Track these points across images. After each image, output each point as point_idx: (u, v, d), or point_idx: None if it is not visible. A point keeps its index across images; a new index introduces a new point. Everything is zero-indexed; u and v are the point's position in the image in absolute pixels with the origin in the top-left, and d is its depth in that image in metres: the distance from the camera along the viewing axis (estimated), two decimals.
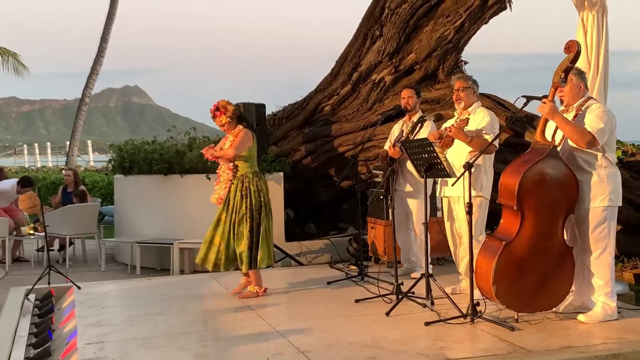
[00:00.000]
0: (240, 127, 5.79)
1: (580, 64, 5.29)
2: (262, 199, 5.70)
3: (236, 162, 5.74)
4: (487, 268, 4.54)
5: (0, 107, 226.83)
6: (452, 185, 4.87)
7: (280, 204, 8.00)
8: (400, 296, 5.31)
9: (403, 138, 6.25)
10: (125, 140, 9.80)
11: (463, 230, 5.35)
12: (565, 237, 4.70)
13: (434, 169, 5.04)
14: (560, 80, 4.57)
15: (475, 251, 4.72)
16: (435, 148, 4.96)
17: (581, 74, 4.77)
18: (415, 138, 6.05)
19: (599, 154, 4.58)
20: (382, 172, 6.66)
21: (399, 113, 6.89)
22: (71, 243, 9.29)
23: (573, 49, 4.53)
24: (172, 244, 7.99)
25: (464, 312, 4.70)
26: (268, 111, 8.60)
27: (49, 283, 6.22)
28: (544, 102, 4.55)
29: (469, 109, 5.52)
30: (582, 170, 4.60)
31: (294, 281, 6.49)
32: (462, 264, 5.53)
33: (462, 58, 8.06)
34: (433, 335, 4.42)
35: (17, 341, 4.78)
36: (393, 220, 6.06)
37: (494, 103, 7.30)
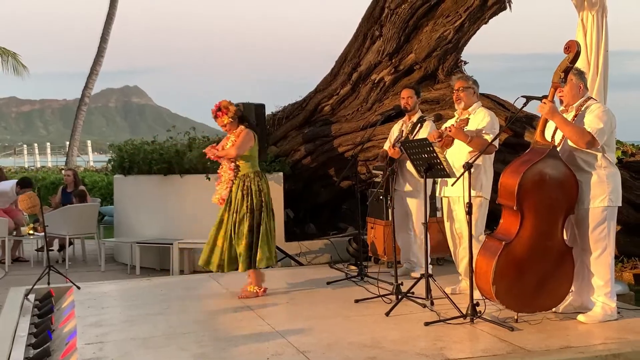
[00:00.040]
0: (242, 127, 5.79)
1: (580, 64, 5.29)
2: (263, 198, 5.70)
3: (238, 162, 5.74)
4: (486, 268, 4.54)
5: (0, 107, 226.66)
6: (452, 185, 4.88)
7: (280, 204, 7.99)
8: (400, 296, 5.30)
9: (403, 138, 6.24)
10: (124, 140, 9.80)
11: (463, 231, 5.34)
12: (565, 237, 4.70)
13: (434, 169, 5.04)
14: (560, 81, 4.56)
15: (475, 251, 4.72)
16: (435, 148, 4.96)
17: (581, 74, 4.77)
18: (414, 138, 6.05)
19: (599, 154, 4.58)
20: (381, 172, 6.65)
21: (398, 113, 6.89)
22: (71, 243, 9.29)
23: (573, 49, 4.53)
24: (171, 244, 7.99)
25: (464, 312, 4.70)
26: (268, 111, 8.58)
27: (48, 283, 6.21)
28: (544, 102, 4.54)
29: (469, 109, 5.52)
30: (582, 170, 4.60)
31: (293, 281, 6.49)
32: (462, 264, 5.53)
33: (461, 58, 8.06)
34: (433, 336, 4.42)
35: (16, 341, 4.78)
36: (393, 221, 6.06)
37: (493, 103, 7.30)
